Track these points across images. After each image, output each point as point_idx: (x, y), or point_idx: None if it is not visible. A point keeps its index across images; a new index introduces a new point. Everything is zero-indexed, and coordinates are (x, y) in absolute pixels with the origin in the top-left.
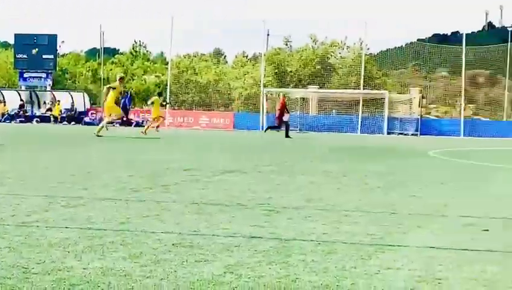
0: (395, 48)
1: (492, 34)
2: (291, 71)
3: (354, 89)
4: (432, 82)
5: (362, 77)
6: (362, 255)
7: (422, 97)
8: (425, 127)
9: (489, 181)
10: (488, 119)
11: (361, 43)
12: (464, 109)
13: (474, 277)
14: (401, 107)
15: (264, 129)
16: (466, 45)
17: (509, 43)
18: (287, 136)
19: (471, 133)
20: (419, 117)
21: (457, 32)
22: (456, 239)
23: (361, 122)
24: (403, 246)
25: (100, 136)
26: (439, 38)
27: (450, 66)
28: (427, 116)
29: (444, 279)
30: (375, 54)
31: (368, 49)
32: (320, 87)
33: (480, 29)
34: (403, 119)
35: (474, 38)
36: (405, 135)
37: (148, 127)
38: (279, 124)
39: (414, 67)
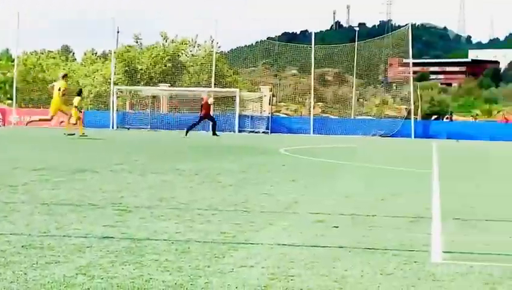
0: (246, 46)
1: (340, 33)
2: (141, 69)
3: (205, 87)
4: (282, 80)
5: (213, 75)
6: (216, 253)
7: (273, 95)
8: (275, 125)
9: (338, 178)
10: (337, 117)
11: (212, 41)
12: (314, 107)
13: (326, 273)
14: (252, 105)
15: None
16: (315, 44)
17: (356, 42)
18: (214, 133)
19: (321, 131)
20: (269, 115)
21: (306, 31)
22: (307, 236)
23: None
24: (256, 244)
25: (72, 134)
26: (289, 37)
27: (300, 64)
28: (278, 114)
29: (297, 276)
30: (226, 52)
31: (219, 47)
32: (172, 85)
33: (329, 28)
34: (253, 117)
35: (322, 37)
36: (256, 132)
37: (69, 125)
38: (198, 122)
39: (264, 65)
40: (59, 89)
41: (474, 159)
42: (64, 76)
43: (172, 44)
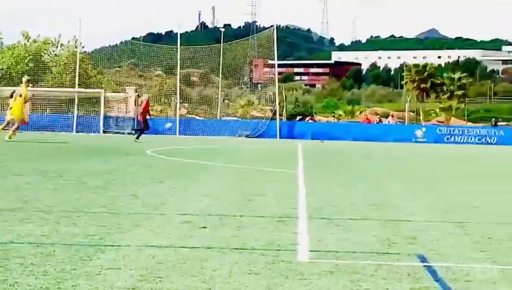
0: (110, 46)
1: (205, 34)
2: (2, 69)
3: (69, 87)
4: (147, 81)
5: (77, 76)
6: (82, 256)
7: (138, 96)
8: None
9: (205, 179)
10: (203, 118)
11: (75, 41)
12: (179, 108)
13: (194, 274)
14: (117, 106)
15: (136, 136)
16: (180, 45)
17: (221, 44)
18: (137, 137)
19: (187, 131)
20: (135, 116)
21: (172, 31)
22: (175, 237)
23: (77, 121)
24: (123, 246)
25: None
26: (154, 38)
27: (165, 65)
28: None
29: (165, 277)
30: (90, 52)
31: (83, 47)
32: (34, 86)
33: (194, 29)
34: (119, 118)
35: (188, 38)
36: (121, 133)
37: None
38: (144, 126)
39: (129, 66)
40: (20, 95)
41: (338, 159)
42: (27, 81)
43: (35, 44)
